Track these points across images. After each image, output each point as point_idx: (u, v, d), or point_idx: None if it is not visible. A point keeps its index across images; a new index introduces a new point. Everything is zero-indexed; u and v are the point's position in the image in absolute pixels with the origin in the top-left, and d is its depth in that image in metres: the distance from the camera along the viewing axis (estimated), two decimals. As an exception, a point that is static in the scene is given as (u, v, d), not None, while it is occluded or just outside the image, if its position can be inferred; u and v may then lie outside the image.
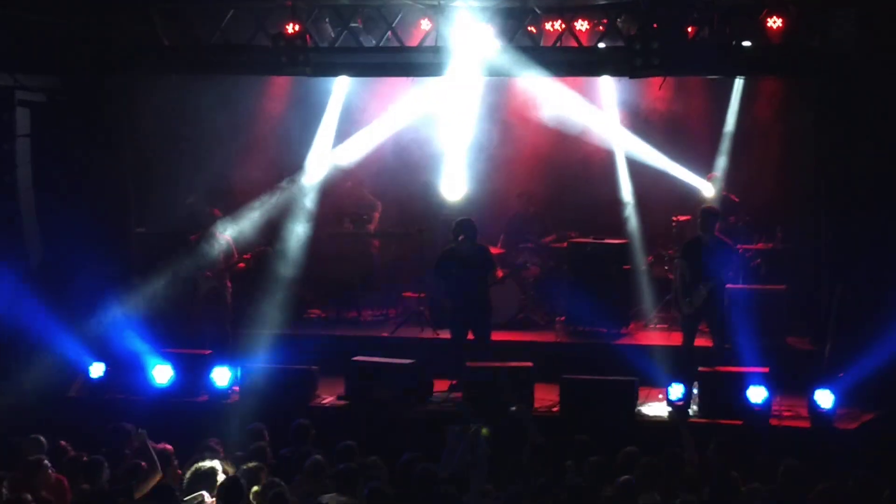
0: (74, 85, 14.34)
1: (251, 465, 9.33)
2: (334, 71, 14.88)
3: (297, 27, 13.61)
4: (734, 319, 12.93)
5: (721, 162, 15.66)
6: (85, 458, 9.73)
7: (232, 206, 15.24)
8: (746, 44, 13.00)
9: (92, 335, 13.60)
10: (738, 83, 15.44)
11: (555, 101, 15.31)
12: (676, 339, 14.05)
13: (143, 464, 9.66)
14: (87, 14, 13.57)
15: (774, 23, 12.97)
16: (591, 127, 15.69)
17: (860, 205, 12.57)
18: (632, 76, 13.74)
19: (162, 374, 13.07)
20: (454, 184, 16.38)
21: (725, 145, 15.72)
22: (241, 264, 14.56)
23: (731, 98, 15.71)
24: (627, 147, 15.92)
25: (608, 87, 15.80)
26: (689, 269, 12.88)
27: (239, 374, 13.10)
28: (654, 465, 9.26)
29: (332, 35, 14.04)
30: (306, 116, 16.50)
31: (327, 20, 14.15)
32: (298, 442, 10.48)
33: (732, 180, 15.49)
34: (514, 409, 11.25)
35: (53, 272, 14.29)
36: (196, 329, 14.30)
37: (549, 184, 16.62)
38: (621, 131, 15.96)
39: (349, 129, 16.41)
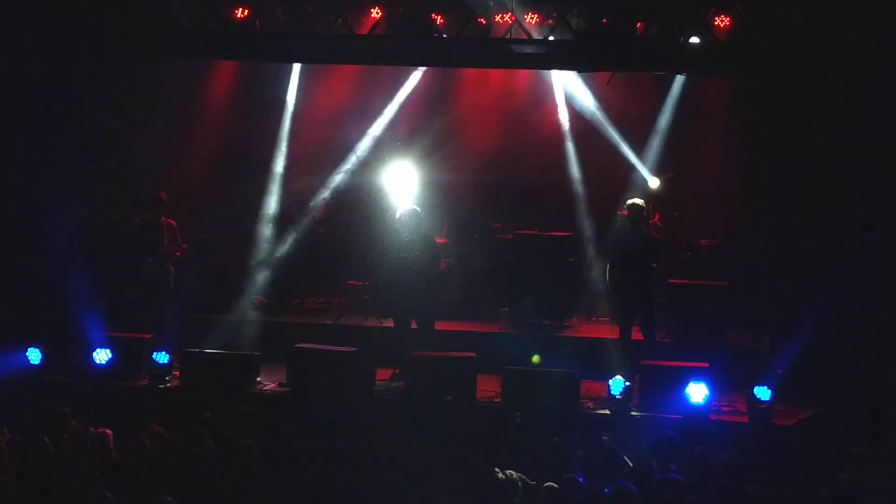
0: (21, 67, 14.07)
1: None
2: (283, 57, 14.77)
3: (246, 12, 13.46)
4: (676, 314, 12.98)
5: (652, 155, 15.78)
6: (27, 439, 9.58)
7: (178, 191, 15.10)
8: (694, 41, 13.02)
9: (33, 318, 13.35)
10: (679, 80, 15.46)
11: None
12: (618, 332, 14.08)
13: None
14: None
15: (722, 21, 13.03)
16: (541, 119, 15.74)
17: (801, 202, 12.65)
18: (580, 71, 13.77)
19: (101, 357, 12.86)
20: (403, 173, 16.28)
21: (657, 140, 15.78)
22: (183, 248, 14.32)
23: (669, 94, 15.80)
24: (577, 140, 15.96)
25: (558, 80, 15.75)
26: (620, 262, 12.94)
27: (179, 358, 12.94)
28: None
29: (283, 20, 13.87)
30: (254, 104, 16.36)
31: (278, 7, 14.00)
32: (241, 427, 10.37)
33: (675, 174, 15.53)
34: (448, 398, 11.27)
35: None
36: (138, 312, 14.07)
37: (497, 175, 16.53)
38: (572, 125, 16.01)
39: (302, 117, 16.31)
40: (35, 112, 13.97)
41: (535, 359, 12.72)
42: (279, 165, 16.33)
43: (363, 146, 16.48)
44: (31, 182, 14.04)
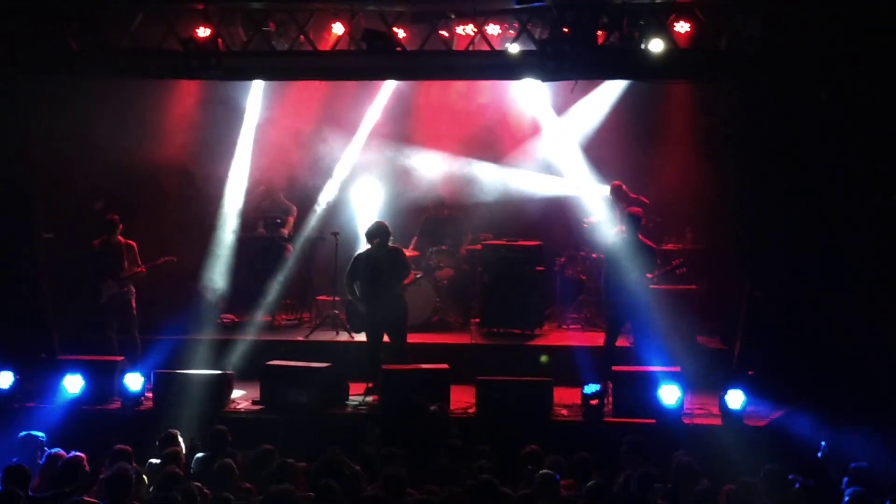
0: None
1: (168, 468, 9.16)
2: (246, 75, 14.69)
3: (208, 31, 13.42)
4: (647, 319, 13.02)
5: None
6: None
7: (139, 212, 15.06)
8: (655, 48, 13.08)
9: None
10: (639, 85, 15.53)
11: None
12: (590, 339, 14.19)
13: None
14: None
15: (682, 27, 13.10)
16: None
17: (768, 205, 12.74)
18: (543, 80, 13.81)
19: (72, 383, 12.73)
20: (368, 187, 16.32)
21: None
22: (142, 270, 14.20)
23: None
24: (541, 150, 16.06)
25: (523, 89, 15.82)
26: (614, 271, 13.00)
27: (152, 380, 12.85)
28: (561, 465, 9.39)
29: (245, 39, 13.84)
30: (221, 122, 16.30)
31: (239, 24, 13.96)
32: (215, 448, 10.30)
33: (642, 181, 15.58)
34: (433, 408, 11.25)
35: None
36: (102, 336, 13.95)
37: (464, 186, 16.55)
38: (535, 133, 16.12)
39: (263, 133, 16.29)
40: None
41: (544, 358, 12.89)
42: (241, 182, 16.24)
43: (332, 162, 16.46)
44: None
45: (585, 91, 15.78)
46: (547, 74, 13.47)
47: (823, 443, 10.14)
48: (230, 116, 16.25)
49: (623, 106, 15.97)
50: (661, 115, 15.82)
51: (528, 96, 16.13)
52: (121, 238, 14.12)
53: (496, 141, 16.64)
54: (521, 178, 16.44)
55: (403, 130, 16.64)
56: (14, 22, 13.25)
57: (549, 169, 16.32)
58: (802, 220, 12.53)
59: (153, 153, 15.92)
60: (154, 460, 10.13)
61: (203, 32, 13.35)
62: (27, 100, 13.93)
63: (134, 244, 14.17)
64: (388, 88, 16.26)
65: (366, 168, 16.35)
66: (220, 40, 13.45)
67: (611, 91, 16.02)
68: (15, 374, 12.84)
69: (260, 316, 15.71)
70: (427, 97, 16.59)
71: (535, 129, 16.44)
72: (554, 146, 16.25)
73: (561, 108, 16.23)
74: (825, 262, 12.23)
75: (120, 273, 13.96)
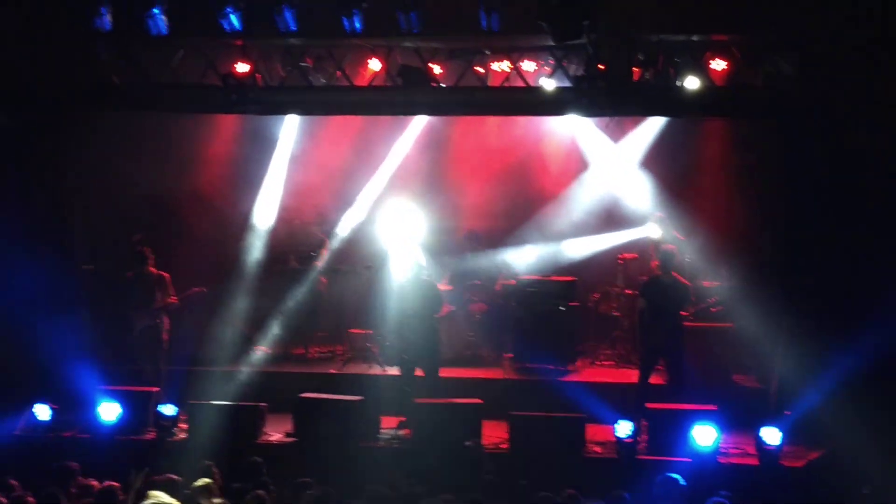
0: (21, 121, 14.05)
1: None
2: (283, 109, 14.77)
3: (247, 66, 13.50)
4: (682, 356, 12.91)
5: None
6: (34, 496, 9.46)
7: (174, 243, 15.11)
8: (691, 85, 13.02)
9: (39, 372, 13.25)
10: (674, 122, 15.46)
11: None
12: (623, 375, 14.08)
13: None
14: (39, 51, 13.25)
15: (718, 65, 13.07)
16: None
17: (804, 243, 12.58)
18: (578, 115, 13.79)
19: (109, 411, 12.75)
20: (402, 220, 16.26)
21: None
22: (174, 301, 14.20)
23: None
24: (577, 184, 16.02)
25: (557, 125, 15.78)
26: (650, 308, 12.91)
27: (186, 411, 12.82)
28: None
29: (283, 74, 13.89)
30: (255, 156, 16.35)
31: (277, 60, 14.02)
32: (249, 479, 10.23)
33: (676, 218, 15.44)
34: (468, 444, 11.17)
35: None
36: (135, 366, 13.95)
37: (497, 220, 16.49)
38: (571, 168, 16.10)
39: (296, 167, 16.33)
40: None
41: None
42: (273, 214, 16.26)
43: (365, 196, 16.45)
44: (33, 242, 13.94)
45: (622, 126, 15.68)
46: (582, 111, 13.47)
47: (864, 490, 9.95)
48: (265, 150, 16.27)
49: (658, 141, 15.85)
50: (697, 151, 15.73)
51: (567, 130, 16.04)
52: (153, 269, 14.12)
53: (531, 174, 16.57)
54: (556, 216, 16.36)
55: (438, 164, 16.60)
56: (57, 56, 13.34)
57: (585, 204, 16.21)
58: (842, 258, 12.37)
59: (189, 186, 16.03)
60: (187, 491, 10.07)
61: (242, 68, 13.46)
62: (68, 133, 14.03)
63: (167, 276, 14.16)
64: (422, 123, 16.23)
65: (399, 201, 16.30)
66: (258, 75, 13.55)
67: (649, 127, 15.89)
68: (52, 407, 12.90)
69: (293, 348, 15.69)
70: (462, 131, 16.55)
71: (570, 163, 16.32)
72: (592, 180, 16.14)
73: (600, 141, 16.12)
74: (866, 301, 12.04)
75: (152, 304, 13.96)
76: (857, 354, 11.76)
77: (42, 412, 12.92)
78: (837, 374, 11.76)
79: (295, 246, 16.30)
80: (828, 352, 12.08)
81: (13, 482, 9.93)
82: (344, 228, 16.52)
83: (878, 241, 12.12)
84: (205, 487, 9.08)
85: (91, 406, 12.89)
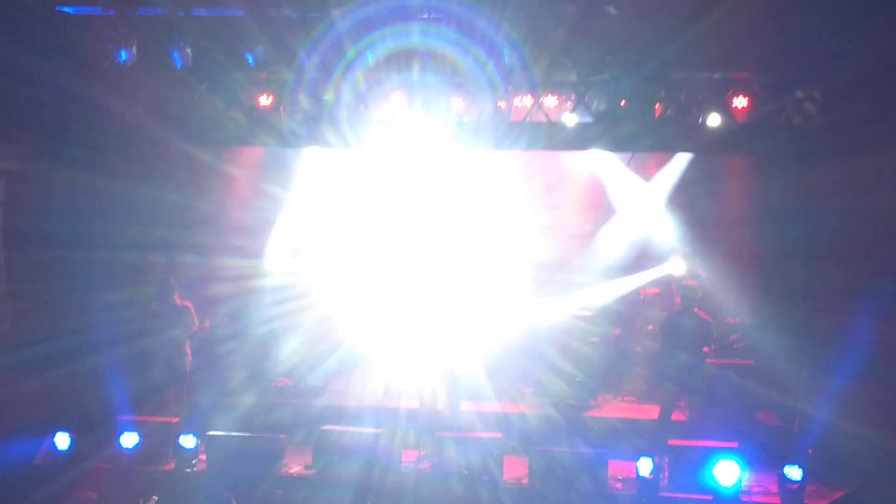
0: (46, 155, 14.16)
1: None
2: (306, 142, 14.78)
3: (270, 99, 13.55)
4: (707, 394, 12.85)
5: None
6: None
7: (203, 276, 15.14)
8: (713, 122, 13.01)
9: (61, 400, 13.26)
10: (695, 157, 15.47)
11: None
12: (645, 411, 13.98)
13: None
14: (63, 88, 13.32)
15: (740, 102, 13.05)
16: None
17: (828, 280, 12.53)
18: (601, 150, 13.82)
19: (129, 440, 12.75)
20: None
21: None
22: (196, 330, 14.26)
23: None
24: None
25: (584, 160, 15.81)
26: (671, 344, 12.87)
27: (205, 442, 12.79)
28: None
29: (306, 107, 13.91)
30: (271, 186, 16.43)
31: (301, 93, 14.05)
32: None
33: (700, 255, 15.43)
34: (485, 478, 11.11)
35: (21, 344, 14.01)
36: (158, 396, 13.91)
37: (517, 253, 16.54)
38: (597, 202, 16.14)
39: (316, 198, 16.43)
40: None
41: None
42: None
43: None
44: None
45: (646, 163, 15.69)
46: (603, 146, 13.49)
47: None
48: (284, 180, 16.33)
49: (683, 177, 15.85)
50: (720, 187, 15.66)
51: (593, 164, 16.05)
52: (178, 299, 14.17)
53: (556, 205, 16.57)
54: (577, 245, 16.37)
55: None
56: (81, 92, 13.41)
57: (611, 244, 16.21)
58: (856, 294, 12.29)
59: (211, 216, 16.07)
60: None
61: (265, 100, 13.50)
62: (91, 167, 14.10)
63: (190, 305, 14.20)
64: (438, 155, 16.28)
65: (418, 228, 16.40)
66: (281, 108, 13.59)
67: (674, 164, 15.89)
68: (71, 436, 12.88)
69: (315, 380, 15.66)
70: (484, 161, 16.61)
71: (593, 199, 16.32)
72: (617, 219, 16.15)
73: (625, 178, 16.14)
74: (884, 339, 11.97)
75: (177, 333, 13.99)
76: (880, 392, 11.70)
77: (62, 441, 12.90)
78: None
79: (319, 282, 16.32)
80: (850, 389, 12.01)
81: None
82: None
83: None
84: None
85: (111, 436, 12.88)
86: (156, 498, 11.03)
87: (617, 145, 13.74)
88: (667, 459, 12.16)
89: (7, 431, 12.80)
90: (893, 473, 11.09)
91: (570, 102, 13.73)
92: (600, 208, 16.29)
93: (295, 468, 12.73)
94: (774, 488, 11.82)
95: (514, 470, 12.29)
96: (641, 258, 16.00)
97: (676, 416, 13.07)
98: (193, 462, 12.68)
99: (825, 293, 12.62)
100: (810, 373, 12.44)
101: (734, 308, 14.66)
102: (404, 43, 12.55)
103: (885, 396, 11.83)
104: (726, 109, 12.99)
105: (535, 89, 13.82)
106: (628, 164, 15.14)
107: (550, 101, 14.02)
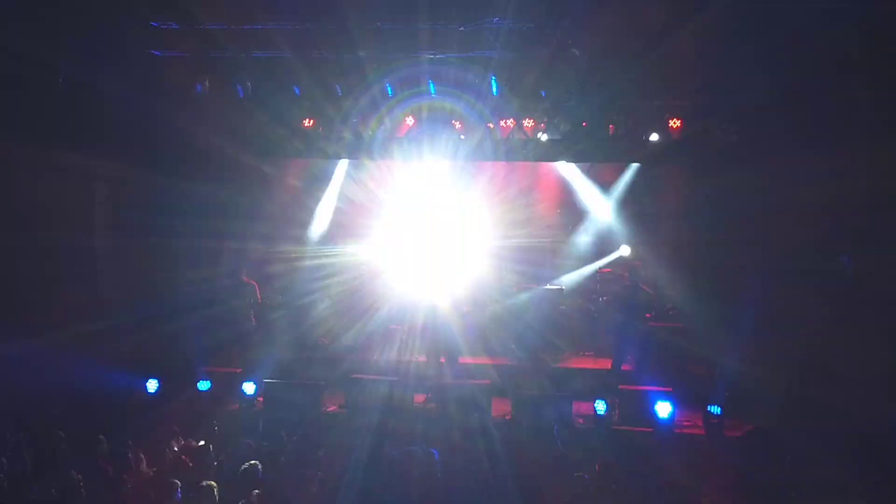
0: (140, 165, 14.13)
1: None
2: (341, 155, 14.79)
3: (311, 121, 13.51)
4: (648, 350, 12.80)
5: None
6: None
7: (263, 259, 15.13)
8: (653, 138, 12.95)
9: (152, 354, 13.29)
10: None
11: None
12: (601, 363, 13.96)
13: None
14: (154, 112, 13.26)
15: (674, 123, 12.98)
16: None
17: (742, 259, 12.47)
18: (567, 162, 13.78)
19: (203, 385, 12.81)
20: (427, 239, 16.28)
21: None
22: (261, 303, 14.31)
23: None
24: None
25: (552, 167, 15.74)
26: (621, 312, 12.84)
27: (262, 387, 12.80)
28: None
29: (339, 128, 13.87)
30: (311, 188, 16.36)
31: (335, 117, 14.01)
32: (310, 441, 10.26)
33: (644, 242, 15.37)
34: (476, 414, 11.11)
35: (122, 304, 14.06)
36: (226, 352, 13.91)
37: (505, 242, 16.41)
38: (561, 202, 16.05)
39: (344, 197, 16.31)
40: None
41: None
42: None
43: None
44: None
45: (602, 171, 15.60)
46: (569, 158, 13.47)
47: None
48: (322, 183, 16.28)
49: (629, 182, 15.76)
50: (658, 189, 15.59)
51: (561, 171, 15.94)
52: (245, 277, 14.16)
53: (532, 203, 16.48)
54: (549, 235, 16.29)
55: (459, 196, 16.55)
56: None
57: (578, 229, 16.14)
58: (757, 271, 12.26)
59: (265, 211, 16.03)
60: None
61: (308, 123, 13.46)
62: (175, 173, 14.06)
63: (254, 282, 14.20)
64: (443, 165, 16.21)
65: (426, 223, 16.32)
66: (320, 128, 13.54)
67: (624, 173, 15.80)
68: (159, 381, 12.88)
69: (345, 340, 15.64)
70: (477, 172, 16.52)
71: (566, 196, 16.22)
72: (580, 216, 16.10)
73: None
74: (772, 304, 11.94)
75: (244, 305, 14.04)
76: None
77: (152, 385, 12.91)
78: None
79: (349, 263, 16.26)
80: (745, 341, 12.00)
81: (129, 443, 9.94)
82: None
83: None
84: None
85: (191, 382, 12.88)
86: (216, 423, 10.98)
87: (579, 157, 13.73)
88: (617, 401, 12.14)
89: (111, 377, 12.80)
90: (789, 407, 11.03)
91: (543, 124, 13.68)
92: (567, 206, 16.18)
93: (331, 407, 12.73)
94: (700, 422, 11.81)
95: (500, 408, 12.26)
96: (599, 245, 15.92)
97: (625, 367, 13.00)
98: (253, 403, 12.71)
99: (735, 270, 12.54)
100: (725, 332, 12.38)
101: (669, 283, 14.62)
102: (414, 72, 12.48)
103: (776, 349, 11.76)
104: (664, 128, 12.94)
105: (517, 114, 13.79)
106: (587, 172, 15.08)
107: (528, 123, 13.95)
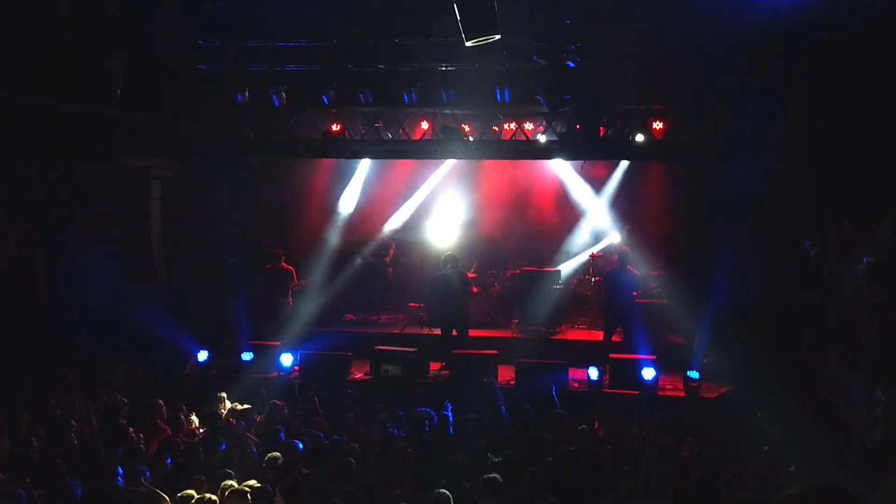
0: (190, 166, 14.23)
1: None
2: (363, 155, 14.83)
3: (338, 126, 13.56)
4: (634, 323, 12.81)
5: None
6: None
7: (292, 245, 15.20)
8: (639, 139, 12.93)
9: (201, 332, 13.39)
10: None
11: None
12: (593, 336, 14.00)
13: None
14: (200, 120, 13.34)
15: (658, 125, 12.96)
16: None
17: (714, 245, 12.43)
18: (564, 159, 13.78)
19: (247, 357, 12.90)
20: (445, 230, 16.28)
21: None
22: (296, 286, 14.35)
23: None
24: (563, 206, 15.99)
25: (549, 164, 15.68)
26: (611, 290, 12.86)
27: (298, 358, 12.89)
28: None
29: (363, 131, 13.91)
30: (338, 185, 16.37)
31: (359, 122, 14.04)
32: (342, 405, 10.39)
33: (631, 229, 15.32)
34: (485, 380, 11.15)
35: (175, 292, 14.14)
36: (267, 327, 13.96)
37: (510, 231, 16.41)
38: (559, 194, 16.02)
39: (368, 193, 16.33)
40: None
41: None
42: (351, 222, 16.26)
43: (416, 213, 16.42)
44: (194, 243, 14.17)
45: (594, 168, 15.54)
46: (564, 156, 13.47)
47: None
48: (346, 180, 16.32)
49: (620, 180, 15.71)
50: (644, 186, 15.55)
51: (557, 169, 15.88)
52: (284, 264, 14.24)
53: (533, 197, 16.46)
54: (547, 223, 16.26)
55: (467, 191, 16.54)
56: (213, 122, 13.41)
57: (573, 219, 16.12)
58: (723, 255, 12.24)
59: (298, 206, 16.09)
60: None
61: (335, 127, 13.51)
62: (221, 171, 14.15)
63: (292, 269, 14.29)
64: (453, 164, 16.18)
65: (441, 216, 16.31)
66: (346, 132, 13.59)
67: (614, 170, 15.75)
68: (209, 352, 13.01)
69: (371, 316, 15.72)
70: (484, 170, 16.51)
71: (562, 191, 16.19)
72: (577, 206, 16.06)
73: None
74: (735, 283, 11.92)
75: (283, 287, 14.14)
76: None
77: (202, 356, 13.04)
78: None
79: (373, 246, 16.29)
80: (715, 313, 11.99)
81: (183, 407, 10.05)
82: (401, 234, 16.52)
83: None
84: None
85: (236, 353, 12.99)
86: (264, 391, 11.11)
87: (574, 156, 13.67)
88: (608, 367, 12.21)
89: (169, 350, 12.93)
90: (755, 374, 11.03)
91: (542, 126, 13.69)
92: (563, 200, 16.15)
93: (358, 375, 12.85)
94: (680, 386, 11.86)
95: (505, 375, 12.36)
96: (592, 232, 15.91)
97: (614, 338, 13.03)
98: (290, 372, 12.80)
99: (707, 254, 12.50)
100: (700, 307, 12.40)
101: (654, 266, 14.64)
102: (430, 87, 12.46)
103: (742, 323, 11.76)
104: (648, 130, 12.90)
105: (518, 118, 13.80)
106: (581, 169, 15.04)
107: (528, 125, 13.95)
